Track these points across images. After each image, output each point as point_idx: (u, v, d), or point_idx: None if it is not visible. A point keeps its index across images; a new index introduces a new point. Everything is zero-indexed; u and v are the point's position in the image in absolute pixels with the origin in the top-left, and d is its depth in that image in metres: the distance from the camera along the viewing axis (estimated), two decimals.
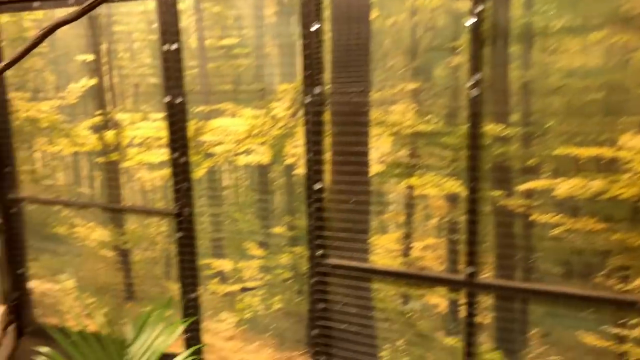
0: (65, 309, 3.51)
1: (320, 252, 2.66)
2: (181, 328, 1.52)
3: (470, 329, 2.41)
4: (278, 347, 2.89)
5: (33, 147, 3.36)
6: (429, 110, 2.34)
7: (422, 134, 2.37)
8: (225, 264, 2.95)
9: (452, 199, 2.36)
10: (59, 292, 3.51)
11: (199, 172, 2.92)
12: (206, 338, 3.08)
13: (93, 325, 3.43)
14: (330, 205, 2.62)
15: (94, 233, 3.29)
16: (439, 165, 2.36)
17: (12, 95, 3.34)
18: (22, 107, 3.33)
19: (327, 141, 2.58)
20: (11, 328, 3.52)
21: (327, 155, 2.59)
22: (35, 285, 3.59)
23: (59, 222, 3.39)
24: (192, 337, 3.09)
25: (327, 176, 2.61)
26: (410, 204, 2.44)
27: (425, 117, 2.35)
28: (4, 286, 3.62)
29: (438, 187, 2.37)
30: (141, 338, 1.30)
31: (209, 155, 2.87)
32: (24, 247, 3.55)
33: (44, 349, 1.66)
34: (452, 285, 2.41)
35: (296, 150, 2.66)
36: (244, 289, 2.93)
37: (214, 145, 2.85)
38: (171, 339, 1.29)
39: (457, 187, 2.34)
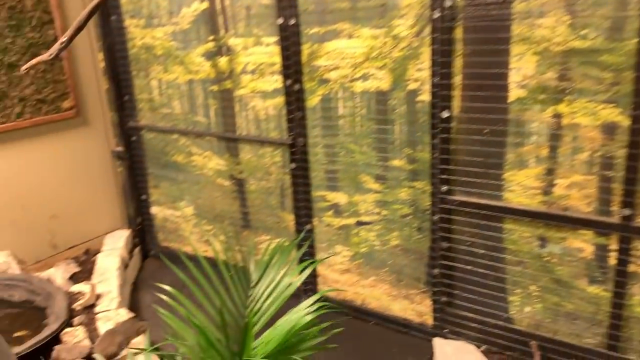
0: (186, 234, 3.62)
1: (444, 187, 2.43)
2: (308, 271, 1.39)
3: (622, 278, 2.11)
4: (395, 284, 2.77)
5: (150, 75, 3.37)
6: (586, 22, 1.95)
7: (575, 52, 1.99)
8: (339, 197, 2.83)
9: (610, 129, 2.00)
10: (179, 218, 3.62)
11: (313, 100, 2.75)
12: (320, 269, 3.03)
13: (211, 251, 3.52)
14: (459, 136, 2.36)
15: (210, 162, 3.30)
16: (595, 90, 1.99)
17: (128, 22, 3.33)
18: (137, 35, 3.32)
19: (458, 63, 2.28)
20: (137, 251, 3.72)
21: (457, 79, 2.30)
22: (157, 211, 3.73)
23: (176, 150, 3.43)
24: (305, 269, 3.05)
25: (456, 103, 2.33)
26: (555, 135, 2.10)
27: (580, 31, 1.96)
28: (129, 211, 3.80)
29: (592, 115, 2.01)
30: (265, 280, 1.20)
31: (324, 82, 2.69)
32: (146, 174, 3.66)
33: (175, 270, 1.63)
34: (602, 228, 2.09)
35: (420, 74, 2.39)
36: (360, 223, 2.80)
37: (329, 71, 2.65)
38: (297, 282, 1.17)
39: (616, 115, 1.97)
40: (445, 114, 2.34)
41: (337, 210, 2.86)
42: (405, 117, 2.51)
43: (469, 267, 2.49)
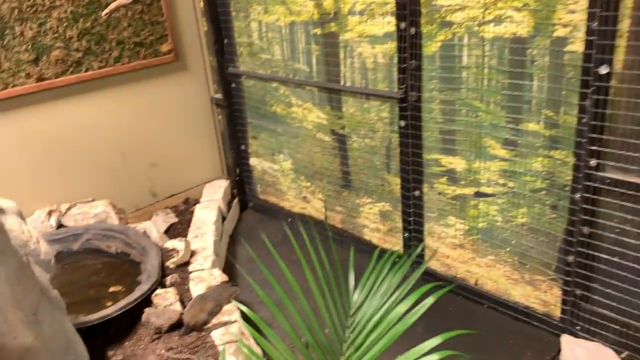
0: (284, 189, 3.42)
1: (593, 161, 1.96)
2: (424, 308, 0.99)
3: None
4: (516, 267, 2.38)
5: (249, 16, 3.09)
6: None
7: None
8: (456, 162, 2.43)
9: None
10: (277, 172, 3.42)
11: (431, 47, 2.33)
12: (428, 241, 2.70)
13: (309, 209, 3.30)
14: (619, 98, 1.86)
15: (310, 114, 3.01)
16: None
17: None
18: None
19: (627, 2, 1.75)
20: (235, 202, 3.60)
21: (624, 25, 1.77)
22: (255, 163, 3.55)
23: (276, 100, 3.18)
24: (413, 238, 2.73)
25: (619, 56, 1.81)
26: None
27: None
28: (227, 161, 3.67)
29: None
30: (369, 305, 0.91)
31: (446, 25, 2.25)
32: (245, 124, 3.47)
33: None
34: None
35: (572, 16, 1.89)
36: (479, 194, 2.41)
37: (453, 11, 2.21)
38: (412, 316, 0.85)
39: None
40: (603, 70, 1.83)
41: (452, 177, 2.47)
42: (547, 71, 2.02)
43: (615, 259, 2.03)
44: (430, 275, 2.69)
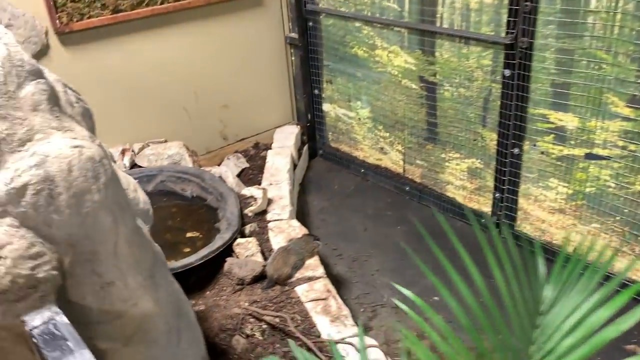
0: (359, 138, 3.24)
1: None
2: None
3: None
4: (627, 238, 2.16)
5: None
6: None
7: None
8: (568, 119, 2.19)
9: None
10: (352, 119, 3.23)
11: None
12: (523, 203, 2.50)
13: (386, 161, 3.13)
14: None
15: (397, 59, 2.78)
16: None
17: None
18: None
19: None
20: (305, 149, 3.45)
21: None
22: (328, 109, 3.36)
23: (358, 41, 2.95)
24: (505, 199, 2.54)
25: None
26: None
27: None
28: (299, 106, 3.49)
29: None
30: (563, 305, 0.74)
31: None
32: (320, 66, 3.27)
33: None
34: None
35: None
36: (591, 156, 2.17)
37: None
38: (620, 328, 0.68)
39: None
40: None
41: (560, 135, 2.24)
42: None
43: None
44: (520, 240, 2.50)
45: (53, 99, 1.07)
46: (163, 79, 2.94)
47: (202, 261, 2.08)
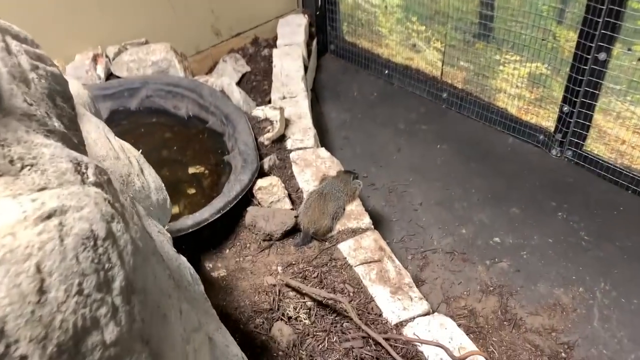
0: (384, 31, 2.66)
1: None
2: None
3: None
4: None
5: None
6: None
7: None
8: None
9: None
10: (376, 7, 2.62)
11: None
12: (598, 117, 2.06)
13: (419, 61, 2.59)
14: None
15: None
16: None
17: None
18: None
19: None
20: (313, 44, 2.85)
21: None
22: None
23: None
24: (575, 114, 2.08)
25: None
26: None
27: None
28: None
29: None
30: None
31: None
32: None
33: None
34: None
35: None
36: None
37: None
38: None
39: None
40: None
41: None
42: None
43: None
44: (590, 163, 2.10)
45: None
46: None
47: (218, 215, 1.62)
